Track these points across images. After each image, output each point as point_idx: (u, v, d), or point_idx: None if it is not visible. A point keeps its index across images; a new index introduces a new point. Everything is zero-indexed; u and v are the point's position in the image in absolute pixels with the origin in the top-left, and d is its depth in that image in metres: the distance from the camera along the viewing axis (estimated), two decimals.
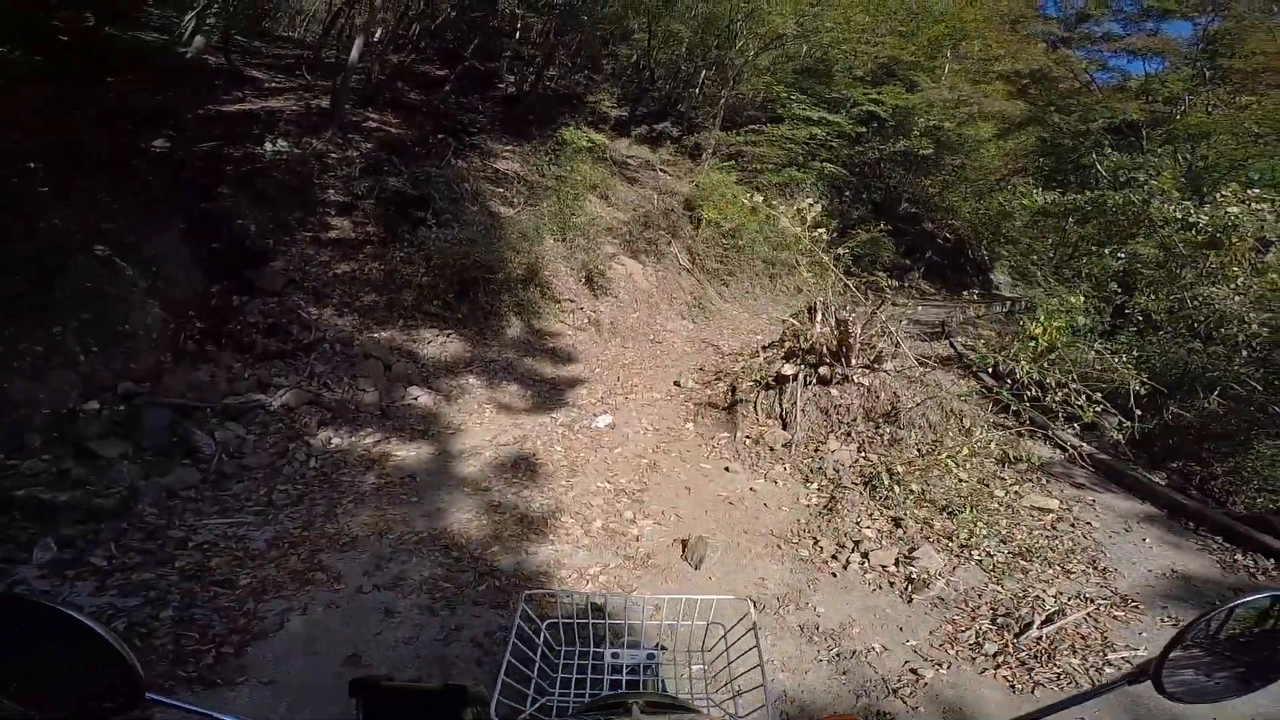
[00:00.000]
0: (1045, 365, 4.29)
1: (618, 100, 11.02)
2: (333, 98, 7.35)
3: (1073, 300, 5.83)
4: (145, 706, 0.62)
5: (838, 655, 2.36)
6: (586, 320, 6.78)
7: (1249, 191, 5.70)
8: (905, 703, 2.16)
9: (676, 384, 5.23)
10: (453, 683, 0.82)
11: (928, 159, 11.95)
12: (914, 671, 2.28)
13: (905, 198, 11.91)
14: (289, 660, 2.11)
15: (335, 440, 3.76)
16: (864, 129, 12.09)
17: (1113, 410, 4.60)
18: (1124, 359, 5.33)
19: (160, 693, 0.61)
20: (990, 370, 5.50)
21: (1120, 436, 4.50)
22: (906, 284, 10.75)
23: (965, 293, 10.37)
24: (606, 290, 7.43)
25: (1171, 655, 0.66)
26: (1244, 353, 4.96)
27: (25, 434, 3.21)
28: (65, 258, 4.10)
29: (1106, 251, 6.59)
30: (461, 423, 4.26)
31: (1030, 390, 3.95)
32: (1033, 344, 4.58)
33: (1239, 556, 3.13)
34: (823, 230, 5.16)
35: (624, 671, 1.30)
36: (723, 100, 11.40)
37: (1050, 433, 4.27)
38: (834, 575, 2.75)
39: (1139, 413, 4.79)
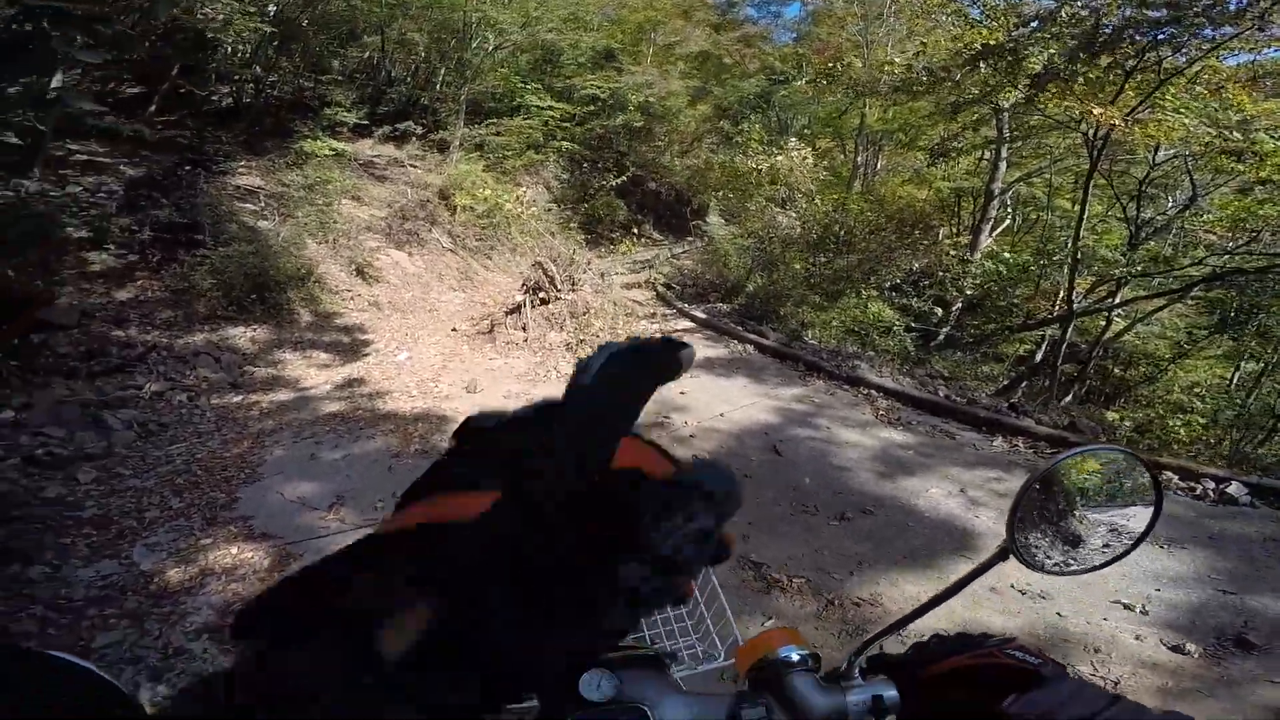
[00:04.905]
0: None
1: (354, 103, 12.90)
2: (28, 134, 8.15)
3: (735, 230, 10.48)
4: None
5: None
6: (366, 304, 9.55)
7: (794, 142, 10.86)
8: None
9: (454, 330, 8.47)
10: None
11: (642, 129, 16.50)
12: None
13: (631, 163, 16.30)
14: (282, 466, 5.01)
15: (214, 401, 6.31)
16: (591, 107, 16.17)
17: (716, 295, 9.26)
18: (738, 263, 9.98)
19: None
20: (663, 285, 9.95)
21: (726, 307, 9.04)
22: (638, 234, 15.19)
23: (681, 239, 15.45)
24: (378, 279, 10.22)
25: (1019, 528, 0.77)
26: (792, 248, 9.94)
27: None
28: None
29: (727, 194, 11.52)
30: (297, 378, 6.97)
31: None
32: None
33: (737, 347, 7.53)
34: (534, 208, 8.87)
35: None
36: (464, 96, 14.33)
37: (679, 307, 8.66)
38: (545, 381, 6.48)
39: (748, 289, 9.41)
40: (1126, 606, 3.52)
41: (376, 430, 5.52)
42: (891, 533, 4.20)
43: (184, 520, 4.19)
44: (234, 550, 3.85)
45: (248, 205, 9.97)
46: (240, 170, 10.75)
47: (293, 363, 7.36)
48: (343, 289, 9.43)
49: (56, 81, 7.54)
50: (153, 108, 10.46)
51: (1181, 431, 9.36)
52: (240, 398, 6.45)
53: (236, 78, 12.16)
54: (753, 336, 7.81)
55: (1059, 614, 3.44)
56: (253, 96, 12.14)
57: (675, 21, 18.24)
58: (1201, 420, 9.76)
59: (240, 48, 11.94)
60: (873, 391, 6.48)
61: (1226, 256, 8.80)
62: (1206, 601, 3.63)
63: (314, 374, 7.09)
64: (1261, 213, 8.10)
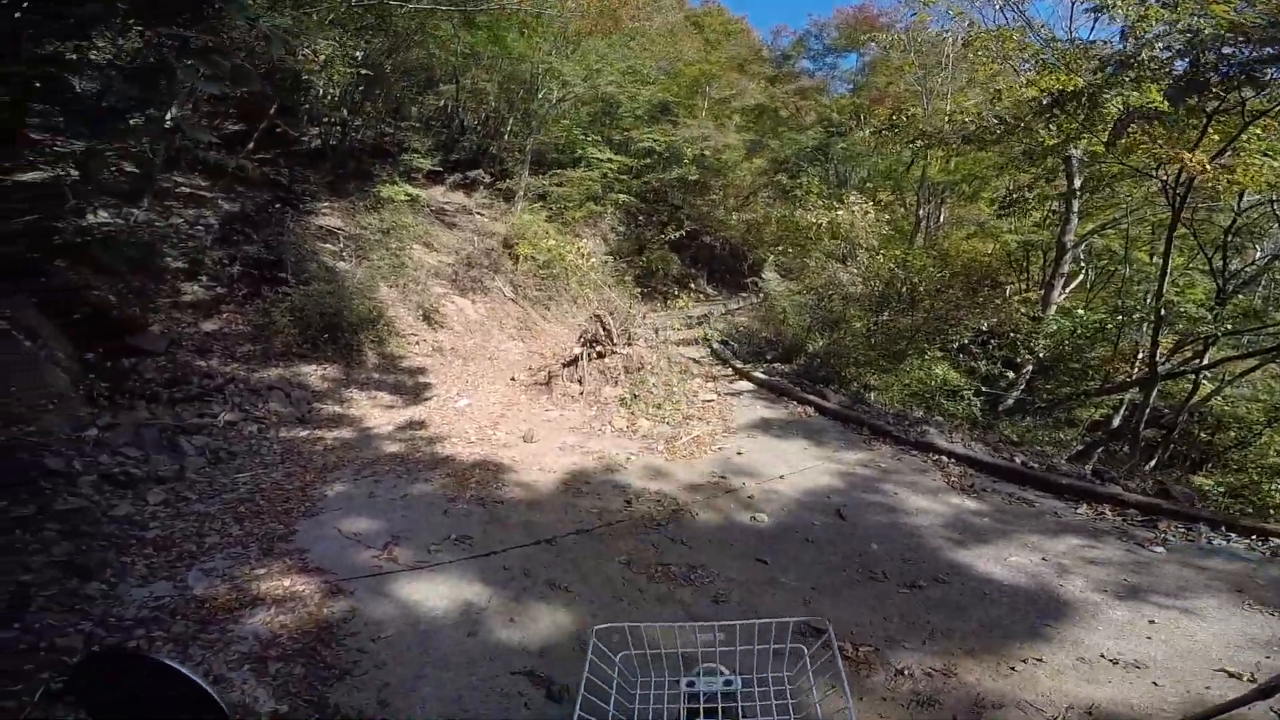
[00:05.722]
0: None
1: (429, 150, 13.40)
2: (144, 165, 7.92)
3: (793, 286, 10.36)
4: None
5: (600, 458, 5.87)
6: (430, 349, 9.78)
7: (855, 196, 10.72)
8: (626, 468, 5.71)
9: (512, 379, 8.55)
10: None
11: (697, 183, 16.75)
12: (630, 457, 5.87)
13: (685, 216, 16.52)
14: (341, 502, 5.06)
15: (282, 434, 6.49)
16: (647, 160, 16.52)
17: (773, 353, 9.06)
18: (796, 321, 9.80)
19: None
20: (719, 342, 9.84)
21: (785, 367, 8.84)
22: (693, 289, 15.25)
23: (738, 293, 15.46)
24: (442, 324, 10.49)
25: None
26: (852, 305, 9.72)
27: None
28: None
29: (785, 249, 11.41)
30: (361, 417, 7.14)
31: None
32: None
33: (796, 408, 7.30)
34: (594, 260, 8.97)
35: (701, 700, 1.50)
36: (529, 146, 14.91)
37: (735, 366, 8.47)
38: (600, 435, 6.35)
39: (808, 350, 9.20)
40: (1232, 675, 3.21)
41: (435, 473, 5.55)
42: (968, 601, 3.93)
43: (241, 548, 4.24)
44: (286, 582, 3.85)
45: (328, 245, 10.34)
46: (323, 210, 11.17)
47: (358, 402, 7.53)
48: (409, 333, 9.69)
49: (172, 114, 7.55)
50: (250, 145, 10.80)
51: None
52: (307, 432, 6.61)
53: (326, 119, 12.79)
54: (813, 398, 7.61)
55: (1155, 683, 3.16)
56: (339, 139, 12.67)
57: (730, 75, 18.70)
58: None
59: (331, 91, 12.48)
60: (943, 457, 6.19)
61: None
62: None
63: (377, 414, 7.22)
64: None
